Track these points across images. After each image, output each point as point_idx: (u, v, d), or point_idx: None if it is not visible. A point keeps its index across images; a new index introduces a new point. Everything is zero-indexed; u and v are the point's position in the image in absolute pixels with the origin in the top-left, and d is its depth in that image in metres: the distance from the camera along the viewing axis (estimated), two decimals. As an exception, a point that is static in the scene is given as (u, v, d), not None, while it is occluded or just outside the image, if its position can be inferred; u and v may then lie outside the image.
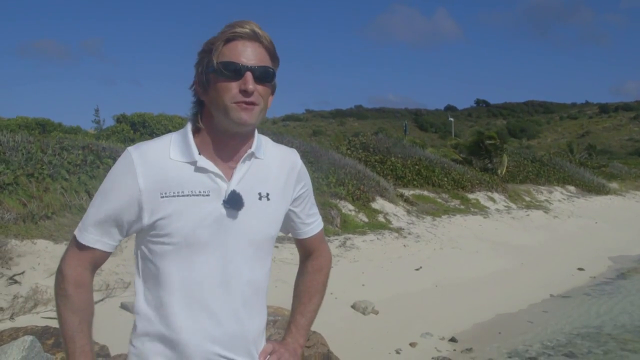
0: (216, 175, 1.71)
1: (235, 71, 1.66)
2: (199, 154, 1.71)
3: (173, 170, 1.69)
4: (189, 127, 1.75)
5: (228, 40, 1.68)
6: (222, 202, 1.71)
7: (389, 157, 19.60)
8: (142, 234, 1.73)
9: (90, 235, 1.71)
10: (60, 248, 6.97)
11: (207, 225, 1.69)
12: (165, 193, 1.67)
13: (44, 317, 5.77)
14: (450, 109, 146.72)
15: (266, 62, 1.71)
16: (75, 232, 1.74)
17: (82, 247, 1.72)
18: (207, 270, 1.71)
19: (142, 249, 1.75)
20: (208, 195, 1.70)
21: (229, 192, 1.71)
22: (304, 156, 14.59)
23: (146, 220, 1.68)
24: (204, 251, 1.70)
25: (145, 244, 1.73)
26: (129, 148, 1.71)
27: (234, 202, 1.71)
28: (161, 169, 1.68)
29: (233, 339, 1.75)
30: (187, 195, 1.68)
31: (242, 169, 1.75)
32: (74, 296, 1.70)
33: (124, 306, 6.29)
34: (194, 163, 1.70)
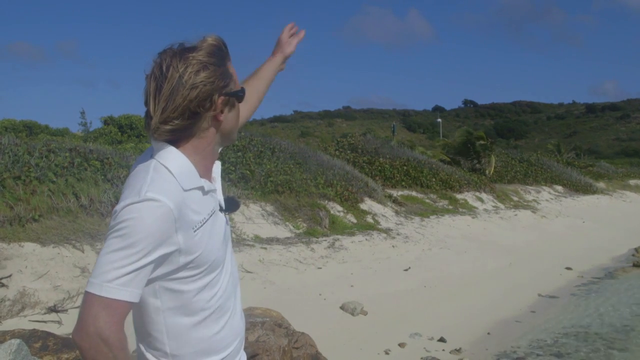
0: (214, 190, 1.74)
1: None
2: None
3: (190, 201, 1.60)
4: (177, 151, 1.62)
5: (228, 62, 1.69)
6: (222, 212, 1.76)
7: (377, 158, 19.61)
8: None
9: (129, 288, 1.47)
10: (48, 251, 6.92)
11: (221, 239, 1.72)
12: (195, 226, 1.59)
13: (32, 320, 5.73)
14: (438, 109, 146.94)
15: None
16: (104, 290, 1.45)
17: (119, 304, 1.46)
18: (227, 278, 1.76)
19: (161, 287, 1.62)
20: (215, 212, 1.71)
21: (225, 198, 1.79)
22: (292, 157, 14.62)
23: (182, 260, 1.58)
24: (223, 263, 1.74)
25: (166, 282, 1.61)
26: (154, 195, 1.50)
27: (231, 206, 1.80)
28: (185, 206, 1.57)
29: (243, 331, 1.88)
30: (205, 221, 1.63)
31: (217, 179, 1.81)
32: None
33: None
34: (200, 188, 1.64)
